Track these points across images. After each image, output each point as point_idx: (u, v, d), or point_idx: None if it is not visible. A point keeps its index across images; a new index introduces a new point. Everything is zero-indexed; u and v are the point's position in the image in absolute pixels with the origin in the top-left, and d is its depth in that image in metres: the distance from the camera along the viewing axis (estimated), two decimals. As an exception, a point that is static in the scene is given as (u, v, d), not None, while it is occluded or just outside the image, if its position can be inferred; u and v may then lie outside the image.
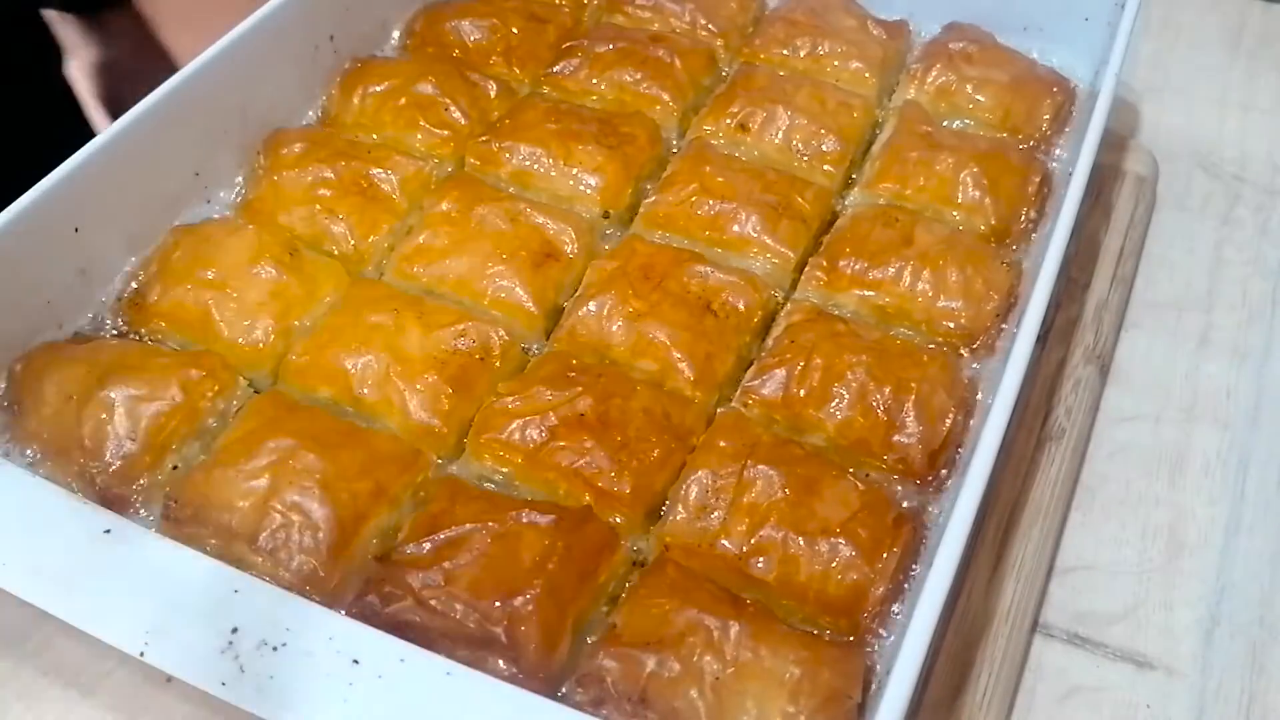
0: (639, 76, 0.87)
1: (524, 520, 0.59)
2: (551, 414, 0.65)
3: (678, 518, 0.62)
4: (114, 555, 0.53)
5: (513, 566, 0.57)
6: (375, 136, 0.84)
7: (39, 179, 0.67)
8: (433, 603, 0.56)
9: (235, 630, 0.50)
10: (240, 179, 0.81)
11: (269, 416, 0.64)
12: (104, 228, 0.72)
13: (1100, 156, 0.86)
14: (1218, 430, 0.78)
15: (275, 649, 0.50)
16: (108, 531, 0.54)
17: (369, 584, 0.58)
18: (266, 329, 0.70)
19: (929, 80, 0.87)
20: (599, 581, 0.59)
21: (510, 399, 0.66)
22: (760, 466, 0.63)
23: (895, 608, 0.60)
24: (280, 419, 0.64)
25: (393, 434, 0.66)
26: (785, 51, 0.90)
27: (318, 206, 0.77)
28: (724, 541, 0.60)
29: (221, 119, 0.79)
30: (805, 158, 0.82)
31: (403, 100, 0.84)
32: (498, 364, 0.69)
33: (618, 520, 0.63)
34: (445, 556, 0.58)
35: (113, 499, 0.62)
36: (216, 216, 0.79)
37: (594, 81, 0.87)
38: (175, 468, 0.64)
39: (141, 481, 0.63)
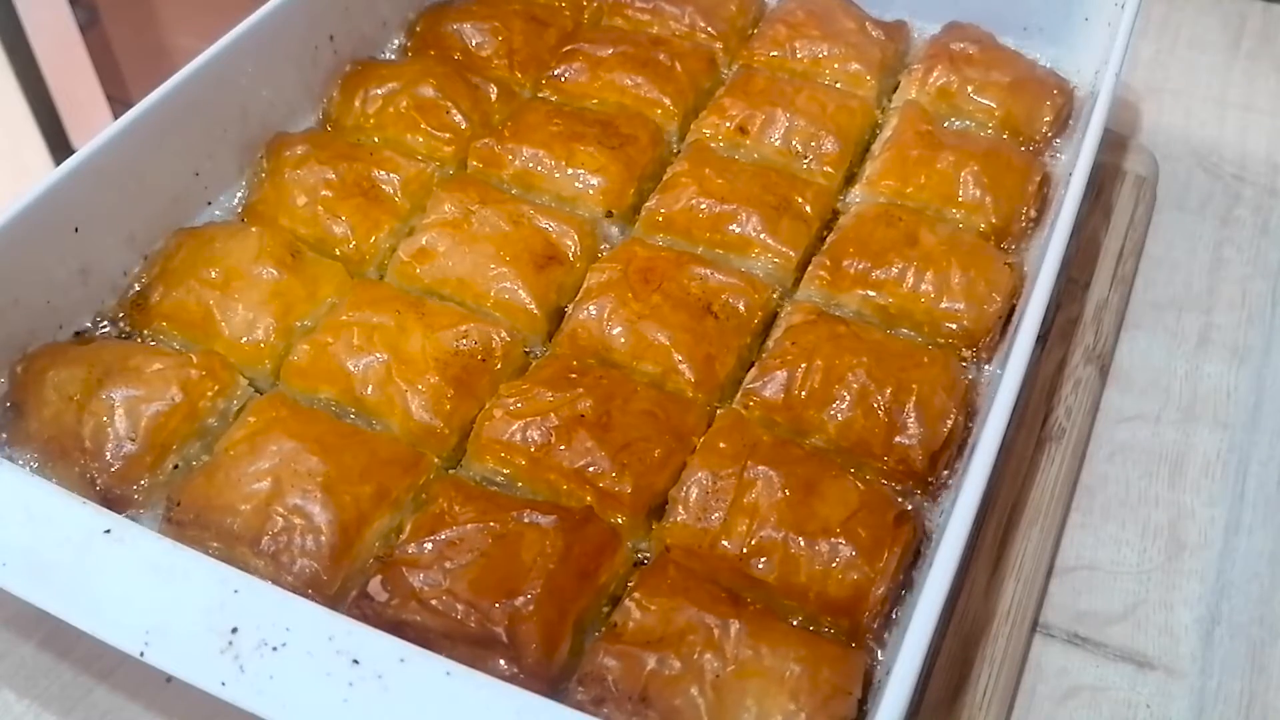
0: (639, 80, 0.87)
1: (525, 520, 0.59)
2: (553, 415, 0.65)
3: (678, 518, 0.62)
4: (114, 555, 0.53)
5: (513, 566, 0.57)
6: (376, 139, 0.84)
7: None
8: (433, 602, 0.56)
9: (235, 630, 0.50)
10: (241, 179, 0.82)
11: (271, 418, 0.64)
12: (104, 228, 0.72)
13: (1100, 156, 0.86)
14: (1218, 430, 0.78)
15: (275, 649, 0.50)
16: (108, 531, 0.54)
17: (369, 583, 0.58)
18: (268, 329, 0.70)
19: (930, 81, 0.87)
20: (600, 581, 0.59)
21: (511, 401, 0.66)
22: (760, 467, 0.63)
23: (895, 607, 0.60)
24: (282, 421, 0.64)
25: (394, 437, 0.66)
26: (784, 54, 0.90)
27: (320, 208, 0.77)
28: (724, 542, 0.61)
29: (221, 119, 0.80)
30: (805, 159, 0.82)
31: (404, 103, 0.84)
32: (499, 365, 0.69)
33: (619, 521, 0.63)
34: (446, 556, 0.58)
35: (114, 499, 0.62)
36: (217, 216, 0.79)
37: (595, 85, 0.87)
38: (176, 467, 0.64)
39: (142, 482, 0.63)
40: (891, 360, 0.68)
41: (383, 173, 0.79)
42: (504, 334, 0.70)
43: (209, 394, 0.66)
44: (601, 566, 0.59)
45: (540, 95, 0.89)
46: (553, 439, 0.64)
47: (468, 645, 0.55)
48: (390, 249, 0.77)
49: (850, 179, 0.83)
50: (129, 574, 0.53)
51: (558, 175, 0.80)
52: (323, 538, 0.59)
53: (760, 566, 0.60)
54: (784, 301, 0.75)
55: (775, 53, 0.91)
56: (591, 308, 0.71)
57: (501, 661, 0.55)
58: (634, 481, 0.63)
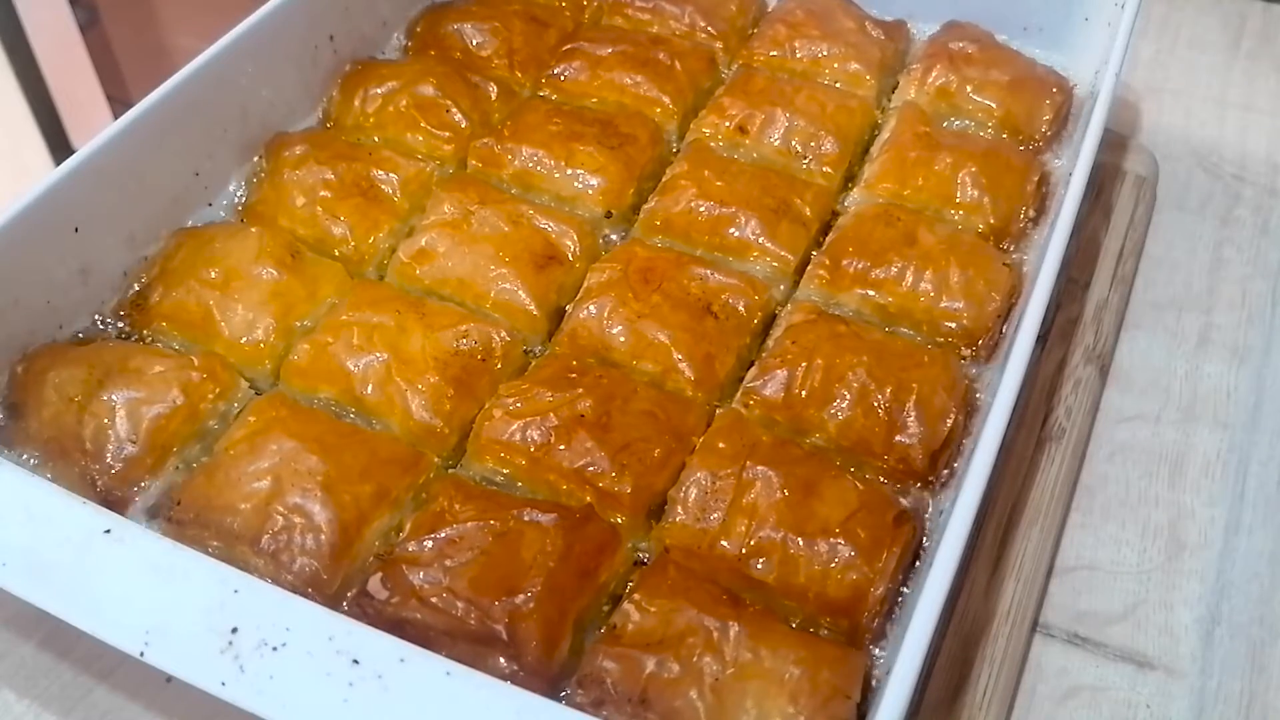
0: (639, 79, 0.87)
1: (525, 519, 0.59)
2: (552, 415, 0.65)
3: (677, 519, 0.62)
4: (114, 555, 0.53)
5: (514, 564, 0.57)
6: (376, 138, 0.84)
7: None
8: (433, 601, 0.56)
9: (235, 630, 0.50)
10: (241, 179, 0.82)
11: (271, 418, 0.64)
12: (104, 228, 0.72)
13: (1100, 156, 0.86)
14: (1218, 430, 0.78)
15: (275, 649, 0.50)
16: (108, 531, 0.54)
17: (369, 581, 0.58)
18: (268, 329, 0.70)
19: (929, 81, 0.87)
20: (600, 580, 0.59)
21: (511, 400, 0.66)
22: (759, 467, 0.63)
23: (895, 607, 0.60)
24: (282, 421, 0.64)
25: (394, 436, 0.66)
26: (784, 53, 0.90)
27: (318, 208, 0.77)
28: (724, 542, 0.61)
29: (221, 119, 0.79)
30: (804, 160, 0.82)
31: (404, 102, 0.84)
32: (499, 365, 0.69)
33: (619, 521, 0.63)
34: (446, 554, 0.58)
35: (114, 501, 0.62)
36: (217, 217, 0.79)
37: (594, 84, 0.87)
38: (176, 469, 0.64)
39: (143, 483, 0.63)
40: (891, 359, 0.68)
41: (382, 172, 0.79)
42: (504, 334, 0.70)
43: (210, 396, 0.66)
44: (602, 565, 0.59)
45: (540, 94, 0.89)
46: (552, 439, 0.64)
47: (468, 643, 0.55)
48: (389, 249, 0.77)
49: (850, 179, 0.83)
50: (129, 574, 0.53)
51: (557, 175, 0.80)
52: (323, 537, 0.59)
53: (759, 567, 0.60)
54: (784, 301, 0.75)
55: (775, 52, 0.91)
56: (591, 307, 0.71)
57: (501, 659, 0.55)
58: (634, 481, 0.63)
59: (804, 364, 0.68)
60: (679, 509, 0.62)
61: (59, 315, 0.71)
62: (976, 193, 0.78)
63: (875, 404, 0.66)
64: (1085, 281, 0.84)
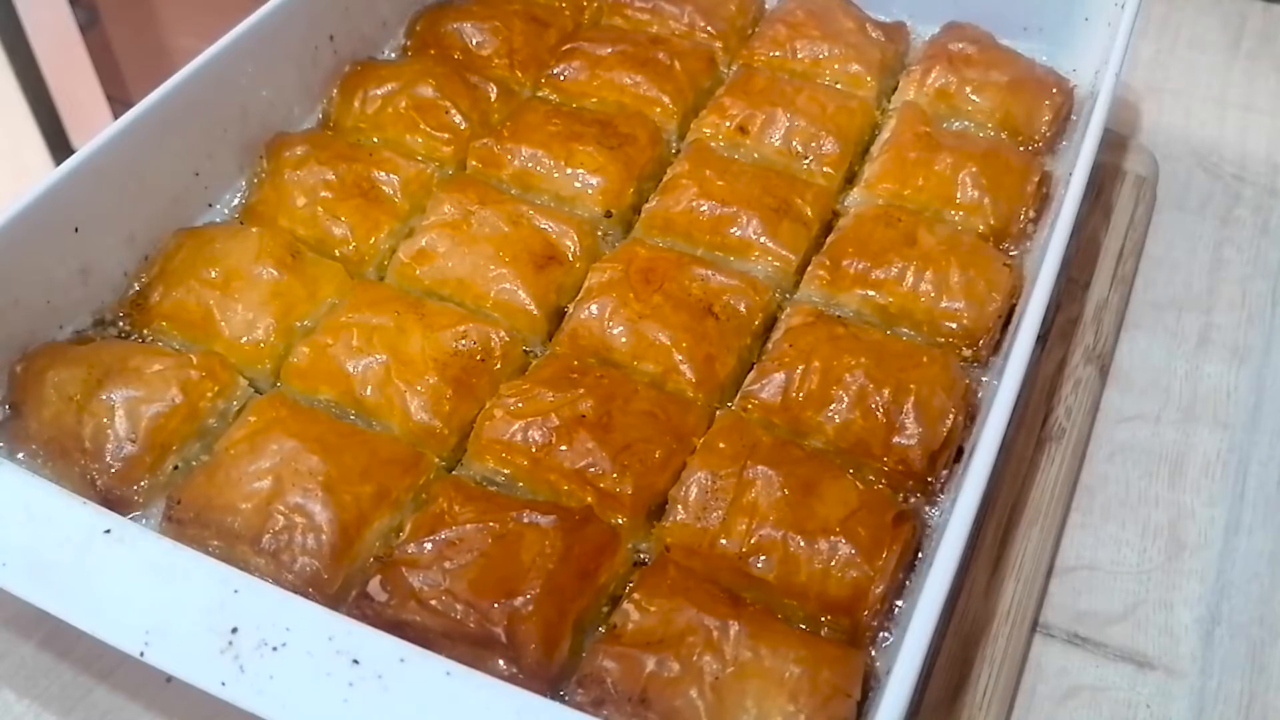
0: (639, 79, 0.87)
1: (524, 520, 0.59)
2: (553, 415, 0.65)
3: (678, 518, 0.62)
4: (114, 555, 0.53)
5: (513, 566, 0.57)
6: (376, 139, 0.84)
7: None
8: (433, 603, 0.56)
9: (235, 630, 0.50)
10: (241, 179, 0.82)
11: (271, 418, 0.64)
12: (104, 228, 0.72)
13: (1100, 156, 0.86)
14: (1218, 430, 0.78)
15: (275, 649, 0.50)
16: (108, 531, 0.54)
17: (369, 584, 0.58)
18: (268, 329, 0.70)
19: (929, 82, 0.87)
20: (600, 582, 0.59)
21: (512, 400, 0.66)
22: (760, 467, 0.63)
23: (895, 607, 0.60)
24: (283, 421, 0.64)
25: (394, 436, 0.66)
26: (784, 54, 0.90)
27: (319, 209, 0.77)
28: (724, 541, 0.61)
29: (221, 119, 0.80)
30: (805, 160, 0.82)
31: (403, 103, 0.84)
32: (499, 365, 0.69)
33: (619, 521, 0.63)
34: (446, 556, 0.58)
35: (114, 500, 0.62)
36: (217, 217, 0.80)
37: (594, 83, 0.87)
38: (176, 468, 0.64)
39: (143, 483, 0.63)
40: (890, 361, 0.68)
41: (382, 173, 0.79)
42: (503, 334, 0.70)
43: (209, 395, 0.66)
44: (601, 566, 0.59)
45: (540, 94, 0.89)
46: (553, 439, 0.64)
47: (467, 645, 0.55)
48: (390, 250, 0.77)
49: (850, 179, 0.83)
50: (129, 574, 0.53)
51: (557, 175, 0.80)
52: (323, 537, 0.59)
53: (760, 565, 0.60)
54: (784, 303, 0.75)
55: (775, 53, 0.91)
56: (592, 307, 0.71)
57: (501, 661, 0.55)
58: (634, 482, 0.63)
59: (801, 367, 0.68)
60: (680, 508, 0.62)
61: (59, 315, 0.71)
62: (977, 193, 0.78)
63: (873, 405, 0.66)
64: (1085, 281, 0.84)
